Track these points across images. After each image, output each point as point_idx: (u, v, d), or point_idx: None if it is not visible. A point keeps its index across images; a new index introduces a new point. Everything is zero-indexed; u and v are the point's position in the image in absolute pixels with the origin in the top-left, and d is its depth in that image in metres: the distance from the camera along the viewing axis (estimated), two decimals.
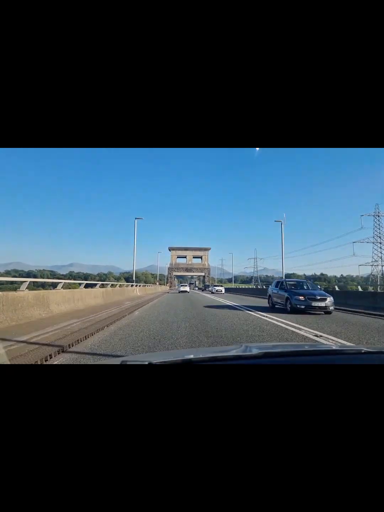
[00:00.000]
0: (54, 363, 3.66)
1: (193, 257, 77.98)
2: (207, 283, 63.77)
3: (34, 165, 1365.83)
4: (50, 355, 3.85)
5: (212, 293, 33.95)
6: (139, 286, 25.82)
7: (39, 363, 3.48)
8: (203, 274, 76.07)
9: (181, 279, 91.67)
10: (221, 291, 35.36)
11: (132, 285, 21.74)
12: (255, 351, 1.39)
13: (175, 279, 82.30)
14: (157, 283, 52.47)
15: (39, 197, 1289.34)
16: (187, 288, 35.94)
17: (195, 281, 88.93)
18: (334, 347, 2.04)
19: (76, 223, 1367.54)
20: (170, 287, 66.98)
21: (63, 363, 3.64)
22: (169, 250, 77.87)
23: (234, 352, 1.49)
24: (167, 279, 75.38)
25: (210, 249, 79.07)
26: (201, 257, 78.06)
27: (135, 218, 24.20)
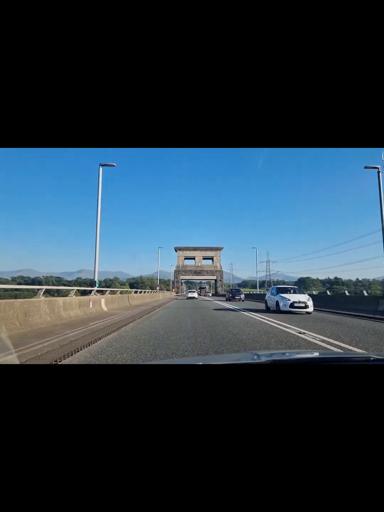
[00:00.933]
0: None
1: (203, 258, 66.44)
2: (234, 289, 36.80)
3: (48, 172, 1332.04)
4: None
5: (269, 310, 12.63)
6: (111, 294, 14.36)
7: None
8: (214, 277, 64.57)
9: (190, 284, 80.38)
10: (308, 306, 11.10)
11: (69, 293, 9.34)
12: (263, 359, 1.40)
13: (182, 284, 70.91)
14: (158, 287, 41.35)
15: (51, 204, 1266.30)
16: (195, 295, 35.14)
17: (205, 286, 77.02)
18: (343, 355, 2.10)
19: (87, 230, 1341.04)
20: (177, 292, 56.11)
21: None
22: (176, 250, 66.60)
23: (243, 360, 1.55)
24: (173, 283, 63.99)
25: (222, 248, 67.54)
26: (212, 258, 66.49)
27: (100, 164, 13.06)
